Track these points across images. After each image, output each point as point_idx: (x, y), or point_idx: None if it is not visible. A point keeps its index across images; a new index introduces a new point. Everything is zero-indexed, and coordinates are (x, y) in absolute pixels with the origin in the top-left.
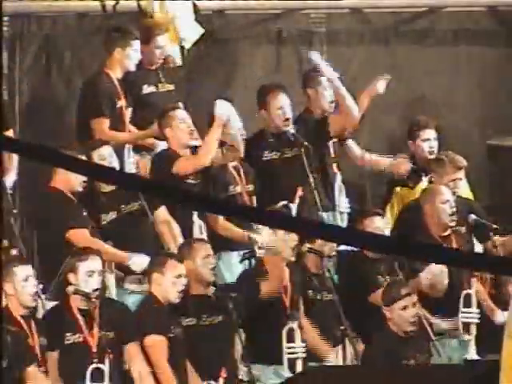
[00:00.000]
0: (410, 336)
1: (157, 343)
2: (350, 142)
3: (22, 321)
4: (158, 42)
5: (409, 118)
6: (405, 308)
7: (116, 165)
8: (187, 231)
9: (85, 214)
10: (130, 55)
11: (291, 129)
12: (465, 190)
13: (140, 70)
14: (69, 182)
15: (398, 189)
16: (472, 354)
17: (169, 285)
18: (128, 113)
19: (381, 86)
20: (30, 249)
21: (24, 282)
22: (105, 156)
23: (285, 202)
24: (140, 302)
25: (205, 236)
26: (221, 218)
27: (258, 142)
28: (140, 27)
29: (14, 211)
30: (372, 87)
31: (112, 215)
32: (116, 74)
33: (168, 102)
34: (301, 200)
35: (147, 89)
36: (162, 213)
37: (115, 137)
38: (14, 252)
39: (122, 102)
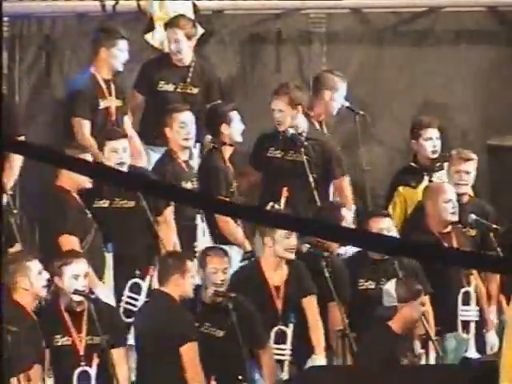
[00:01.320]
0: (404, 334)
1: (191, 347)
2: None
3: (33, 315)
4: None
5: (409, 118)
6: (423, 305)
7: (128, 160)
8: (191, 234)
9: (89, 215)
10: (116, 55)
11: (291, 130)
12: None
13: (166, 64)
14: (75, 180)
15: (400, 188)
16: (472, 352)
17: (187, 285)
18: (141, 101)
19: None
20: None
21: (38, 276)
22: (117, 149)
23: (271, 204)
24: (152, 300)
25: (208, 239)
26: (231, 222)
27: (268, 138)
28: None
29: (14, 211)
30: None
31: (104, 203)
32: (103, 74)
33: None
34: (287, 200)
35: (164, 86)
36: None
37: (88, 142)
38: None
39: (108, 102)
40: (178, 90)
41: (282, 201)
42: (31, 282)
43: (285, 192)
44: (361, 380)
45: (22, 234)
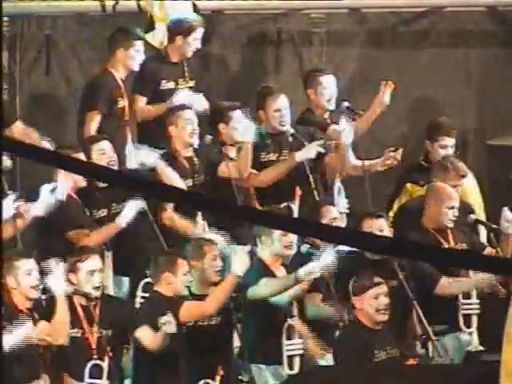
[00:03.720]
0: (379, 328)
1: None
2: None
3: (28, 312)
4: (197, 35)
5: (408, 118)
6: (377, 297)
7: (115, 159)
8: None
9: (88, 214)
10: (133, 56)
11: (291, 129)
12: (473, 191)
13: (163, 62)
14: (72, 180)
15: (408, 185)
16: (475, 346)
17: (179, 283)
18: (143, 102)
19: (387, 96)
20: (31, 249)
21: (27, 276)
22: (105, 150)
23: (286, 204)
24: (146, 299)
25: (209, 234)
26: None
27: (254, 143)
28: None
29: (14, 211)
30: (379, 100)
31: (102, 212)
32: (120, 73)
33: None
34: (301, 200)
35: (165, 84)
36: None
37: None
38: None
39: (123, 102)
40: (179, 86)
41: (297, 200)
42: (18, 282)
43: (298, 191)
44: (361, 380)
45: (22, 234)
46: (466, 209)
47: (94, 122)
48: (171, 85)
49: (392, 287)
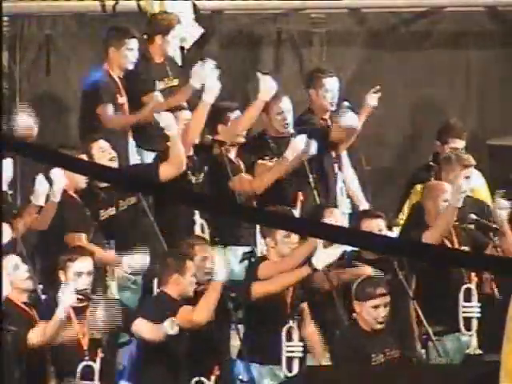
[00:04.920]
0: (378, 331)
1: None
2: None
3: (25, 307)
4: (175, 33)
5: (408, 119)
6: (376, 307)
7: (116, 155)
8: (189, 231)
9: (88, 213)
10: (126, 54)
11: (291, 130)
12: (483, 191)
13: (150, 63)
14: (72, 180)
15: (418, 187)
16: (473, 348)
17: (187, 285)
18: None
19: (372, 99)
20: (31, 249)
21: (15, 271)
22: (105, 148)
23: (287, 208)
24: (152, 299)
25: (207, 235)
26: None
27: (257, 145)
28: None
29: (14, 211)
30: (365, 107)
31: (111, 211)
32: (116, 72)
33: None
34: (302, 205)
35: (159, 85)
36: None
37: (118, 121)
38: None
39: (123, 99)
40: (168, 85)
41: (298, 205)
42: (8, 274)
43: (300, 196)
44: (361, 380)
45: (23, 236)
46: (476, 206)
47: (108, 114)
48: (162, 84)
49: (388, 280)
